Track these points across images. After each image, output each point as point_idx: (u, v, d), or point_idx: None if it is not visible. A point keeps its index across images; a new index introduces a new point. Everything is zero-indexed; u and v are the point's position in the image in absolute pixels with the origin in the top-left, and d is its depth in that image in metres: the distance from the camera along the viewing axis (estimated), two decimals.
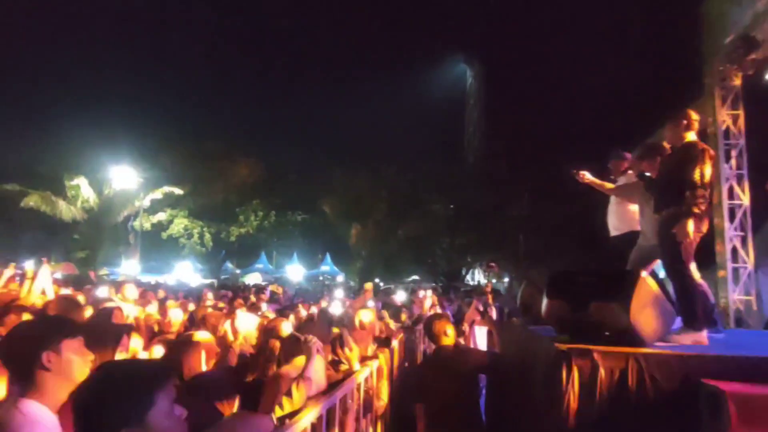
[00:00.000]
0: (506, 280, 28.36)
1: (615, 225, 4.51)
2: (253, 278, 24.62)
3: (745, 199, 9.07)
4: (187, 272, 23.46)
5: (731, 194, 9.08)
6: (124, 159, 19.82)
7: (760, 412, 2.27)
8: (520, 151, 25.25)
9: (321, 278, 26.70)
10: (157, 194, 21.40)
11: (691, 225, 3.22)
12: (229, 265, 27.98)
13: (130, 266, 20.45)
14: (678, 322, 3.27)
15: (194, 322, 4.70)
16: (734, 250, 8.96)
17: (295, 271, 25.76)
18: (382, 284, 25.46)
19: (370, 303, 6.71)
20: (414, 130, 29.85)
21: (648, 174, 3.76)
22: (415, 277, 31.70)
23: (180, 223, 24.25)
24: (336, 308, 6.82)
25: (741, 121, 9.15)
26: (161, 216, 23.46)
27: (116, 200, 20.30)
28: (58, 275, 18.16)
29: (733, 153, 9.13)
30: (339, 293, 8.93)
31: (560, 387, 2.83)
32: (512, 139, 27.03)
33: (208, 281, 20.19)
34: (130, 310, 4.43)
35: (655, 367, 2.67)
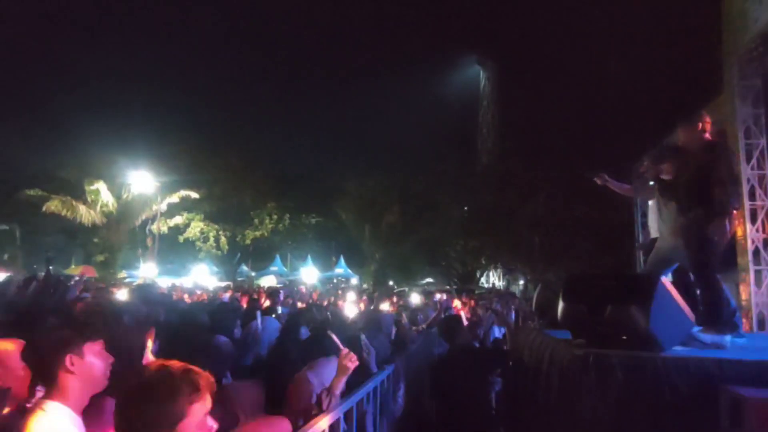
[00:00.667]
0: (521, 282, 28.10)
1: (655, 227, 4.40)
2: (267, 281, 24.77)
3: (766, 200, 8.86)
4: (203, 275, 23.74)
5: (753, 195, 8.87)
6: (142, 164, 20.19)
7: None
8: (535, 151, 25.04)
9: (335, 281, 26.77)
10: (174, 198, 21.74)
11: (726, 223, 3.16)
12: (244, 267, 28.25)
13: (147, 269, 20.78)
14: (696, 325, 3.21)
15: None
16: (756, 252, 8.75)
17: (310, 274, 25.88)
18: (396, 287, 25.46)
19: (385, 306, 6.73)
20: (427, 131, 29.85)
21: (664, 177, 3.70)
22: (429, 279, 31.60)
23: (196, 227, 24.61)
24: (350, 310, 6.85)
25: (762, 120, 8.94)
26: (178, 219, 23.84)
27: (134, 204, 20.68)
28: (78, 278, 18.55)
29: (755, 153, 8.92)
30: (351, 296, 8.96)
31: (577, 391, 2.81)
32: (526, 140, 26.86)
33: (223, 284, 20.38)
34: None
35: (674, 372, 2.63)
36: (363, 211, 25.64)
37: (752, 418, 2.24)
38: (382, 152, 28.63)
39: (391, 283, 27.04)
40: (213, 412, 1.39)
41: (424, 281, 31.64)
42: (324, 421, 2.08)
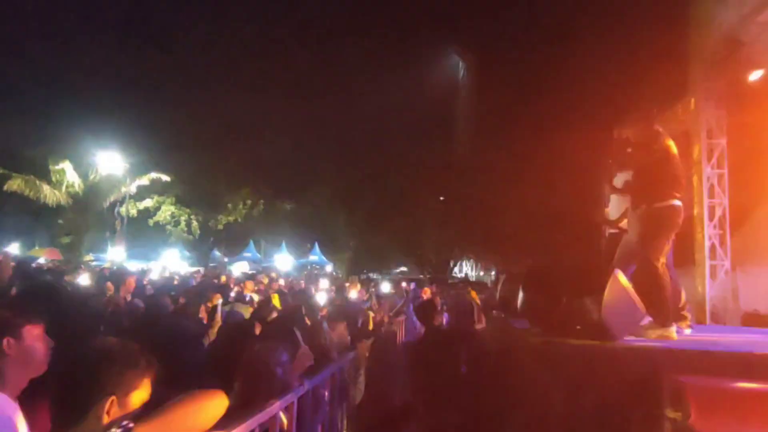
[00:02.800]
0: (493, 273, 28.64)
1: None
2: (240, 267, 24.56)
3: (725, 198, 9.25)
4: (174, 260, 23.34)
5: (712, 193, 9.24)
6: (110, 144, 19.59)
7: (717, 404, 2.37)
8: (511, 144, 25.37)
9: (309, 268, 26.71)
10: (144, 180, 21.23)
11: (674, 219, 3.32)
12: (216, 253, 27.90)
13: (115, 253, 20.30)
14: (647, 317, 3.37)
15: None
16: (713, 248, 9.15)
17: (284, 261, 25.75)
18: (370, 275, 25.60)
19: (354, 294, 6.79)
20: (405, 121, 29.79)
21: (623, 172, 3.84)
22: (403, 268, 31.88)
23: (167, 210, 24.12)
24: (321, 298, 6.90)
25: (723, 121, 9.29)
26: (148, 202, 23.30)
27: (102, 186, 20.09)
28: (42, 260, 18.02)
29: (715, 152, 9.27)
30: (324, 283, 8.99)
31: (532, 378, 2.93)
32: (503, 133, 27.15)
33: (194, 269, 20.10)
34: None
35: (623, 360, 2.77)
36: (339, 198, 25.62)
37: (693, 404, 2.40)
38: (359, 140, 28.45)
39: (365, 271, 27.19)
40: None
41: (398, 270, 31.90)
42: (278, 405, 2.12)
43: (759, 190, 12.37)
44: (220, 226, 25.70)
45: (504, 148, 25.41)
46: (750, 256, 10.57)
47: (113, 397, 1.32)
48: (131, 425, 1.31)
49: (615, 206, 4.54)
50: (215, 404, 1.55)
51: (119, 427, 1.30)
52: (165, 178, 21.57)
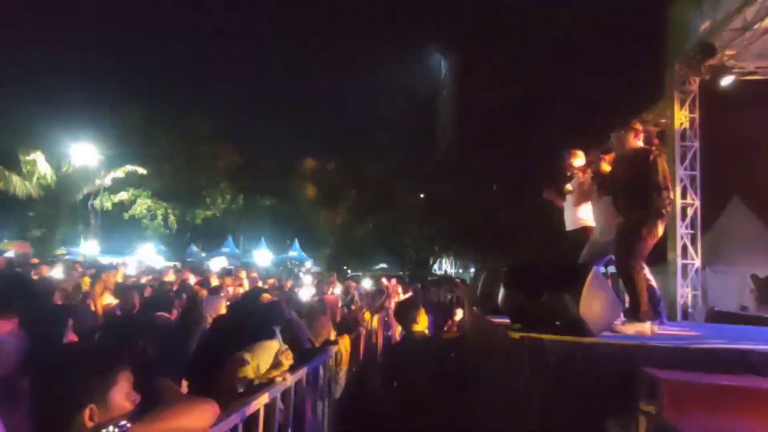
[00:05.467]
0: (472, 270, 28.92)
1: (571, 220, 4.71)
2: (219, 262, 24.22)
3: (696, 199, 9.54)
4: (150, 254, 22.87)
5: (684, 194, 9.52)
6: (84, 135, 19.05)
7: (690, 399, 2.46)
8: (492, 143, 25.65)
9: (289, 264, 26.52)
10: (119, 173, 20.72)
11: (660, 226, 3.43)
12: (194, 248, 27.45)
13: (89, 246, 19.78)
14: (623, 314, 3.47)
15: None
16: (684, 248, 9.44)
17: (263, 256, 25.49)
18: (350, 272, 25.57)
19: (337, 290, 6.79)
20: (387, 118, 29.76)
21: (603, 175, 3.94)
22: (384, 265, 31.92)
23: (143, 204, 23.59)
24: (304, 294, 6.88)
25: (696, 125, 9.58)
26: (123, 195, 22.75)
27: (75, 177, 19.52)
28: (11, 254, 17.44)
29: (688, 154, 9.56)
30: (307, 279, 8.96)
31: (512, 373, 2.99)
32: (484, 131, 27.43)
33: (171, 264, 19.74)
34: None
35: (600, 356, 2.84)
36: (320, 194, 25.48)
37: (666, 396, 2.48)
38: (341, 137, 28.38)
39: (345, 267, 27.13)
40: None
41: (379, 267, 31.93)
42: (260, 401, 2.11)
43: (728, 193, 12.81)
44: (198, 221, 25.29)
45: (485, 147, 25.70)
46: (718, 256, 10.97)
47: (91, 406, 1.32)
48: (128, 425, 1.32)
49: (569, 208, 4.70)
50: (208, 411, 1.61)
51: (116, 427, 1.31)
52: (141, 171, 21.10)
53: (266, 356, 2.33)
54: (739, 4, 7.73)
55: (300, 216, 27.32)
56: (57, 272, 6.08)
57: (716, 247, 11.01)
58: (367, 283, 9.30)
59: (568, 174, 4.72)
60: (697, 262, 9.47)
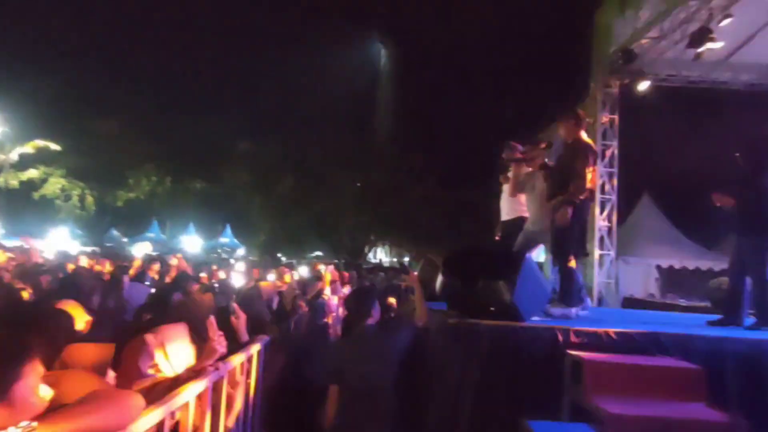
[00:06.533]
0: (406, 259, 29.44)
1: (506, 211, 4.90)
2: (142, 247, 22.77)
3: (613, 195, 10.31)
4: (63, 238, 21.04)
5: (603, 189, 10.24)
6: None
7: (609, 378, 2.66)
8: (428, 133, 26.12)
9: (219, 251, 25.51)
10: (28, 148, 18.81)
11: (569, 212, 3.62)
12: (114, 232, 25.60)
13: None
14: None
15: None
16: (602, 239, 10.18)
17: (192, 242, 24.31)
18: (284, 259, 25.07)
19: (269, 277, 6.62)
20: (326, 105, 29.25)
21: (547, 164, 4.14)
22: (318, 253, 31.65)
23: (56, 183, 21.61)
24: (237, 281, 6.64)
25: (616, 125, 10.31)
26: (33, 173, 20.70)
27: None
28: None
29: (608, 153, 10.28)
30: (240, 266, 8.67)
31: (448, 358, 3.07)
32: (421, 121, 27.85)
33: (88, 249, 18.30)
34: None
35: (531, 340, 3.00)
36: (254, 179, 24.68)
37: (589, 376, 2.66)
38: (278, 122, 27.49)
39: (279, 255, 26.58)
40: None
41: (314, 255, 31.61)
42: (190, 391, 2.01)
43: (639, 190, 13.96)
44: (120, 203, 23.62)
45: (419, 138, 26.13)
46: (629, 248, 11.97)
47: None
48: (34, 425, 1.16)
49: (505, 199, 4.91)
50: (131, 406, 1.44)
51: (18, 427, 1.15)
52: (54, 147, 19.29)
53: (178, 341, 2.18)
54: (656, 14, 8.36)
55: (233, 201, 26.34)
56: None
57: (627, 239, 11.99)
58: (303, 271, 9.18)
59: (505, 166, 4.90)
60: (613, 253, 10.26)
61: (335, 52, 33.89)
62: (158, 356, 2.12)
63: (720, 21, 7.25)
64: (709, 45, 7.43)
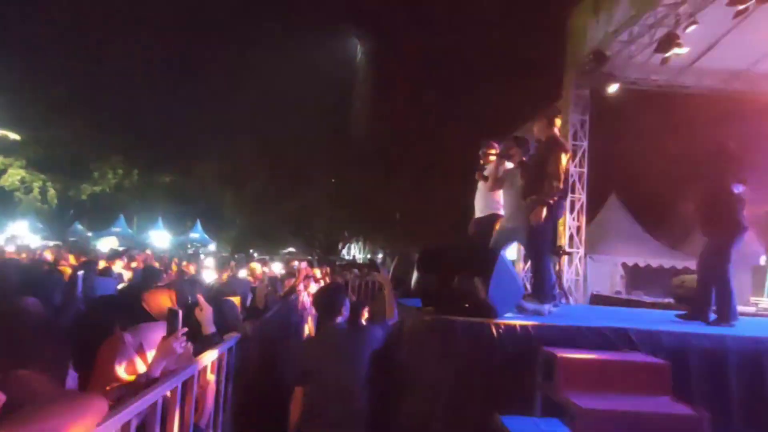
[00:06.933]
0: (380, 255, 29.47)
1: (481, 208, 4.95)
2: (108, 242, 22.03)
3: (583, 194, 10.55)
4: (23, 232, 20.16)
5: (573, 189, 10.47)
6: None
7: (580, 373, 2.71)
8: (405, 130, 26.13)
9: (189, 246, 24.93)
10: None
11: (543, 211, 3.66)
12: (78, 226, 24.69)
13: None
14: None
15: None
16: (571, 237, 10.41)
17: (160, 237, 23.67)
18: (256, 255, 24.71)
19: (243, 273, 6.51)
20: (301, 99, 28.91)
21: (522, 162, 4.18)
22: (291, 249, 31.34)
23: (15, 174, 20.68)
24: (208, 277, 6.49)
25: (587, 126, 10.55)
26: None
27: None
28: None
29: (578, 153, 10.51)
30: (210, 262, 8.48)
31: (423, 354, 3.06)
32: (397, 118, 27.84)
33: (51, 243, 17.57)
34: None
35: (505, 336, 3.02)
36: (227, 174, 24.22)
37: (561, 371, 2.70)
38: (252, 116, 27.00)
39: (251, 250, 26.19)
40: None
41: (287, 251, 31.29)
42: (160, 390, 1.94)
43: (607, 190, 14.34)
44: (84, 197, 22.77)
45: (395, 134, 26.14)
46: (597, 246, 12.30)
47: None
48: None
49: (481, 196, 4.97)
50: (92, 409, 1.35)
51: None
52: (13, 136, 18.45)
53: (153, 339, 2.11)
54: (627, 18, 8.57)
55: (204, 195, 25.76)
56: None
57: (595, 237, 12.30)
58: (276, 267, 9.06)
59: (482, 164, 4.94)
60: (582, 251, 10.50)
61: (311, 47, 33.57)
62: (136, 357, 2.03)
63: (686, 27, 7.48)
64: (676, 50, 7.66)
